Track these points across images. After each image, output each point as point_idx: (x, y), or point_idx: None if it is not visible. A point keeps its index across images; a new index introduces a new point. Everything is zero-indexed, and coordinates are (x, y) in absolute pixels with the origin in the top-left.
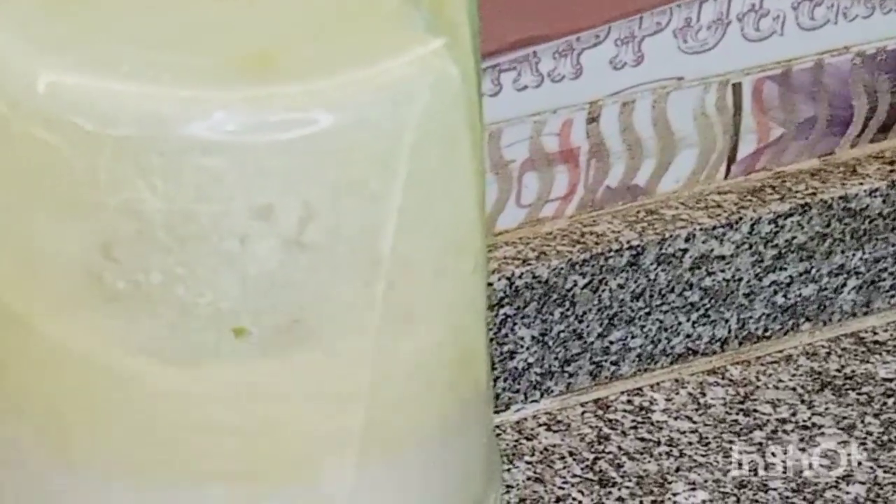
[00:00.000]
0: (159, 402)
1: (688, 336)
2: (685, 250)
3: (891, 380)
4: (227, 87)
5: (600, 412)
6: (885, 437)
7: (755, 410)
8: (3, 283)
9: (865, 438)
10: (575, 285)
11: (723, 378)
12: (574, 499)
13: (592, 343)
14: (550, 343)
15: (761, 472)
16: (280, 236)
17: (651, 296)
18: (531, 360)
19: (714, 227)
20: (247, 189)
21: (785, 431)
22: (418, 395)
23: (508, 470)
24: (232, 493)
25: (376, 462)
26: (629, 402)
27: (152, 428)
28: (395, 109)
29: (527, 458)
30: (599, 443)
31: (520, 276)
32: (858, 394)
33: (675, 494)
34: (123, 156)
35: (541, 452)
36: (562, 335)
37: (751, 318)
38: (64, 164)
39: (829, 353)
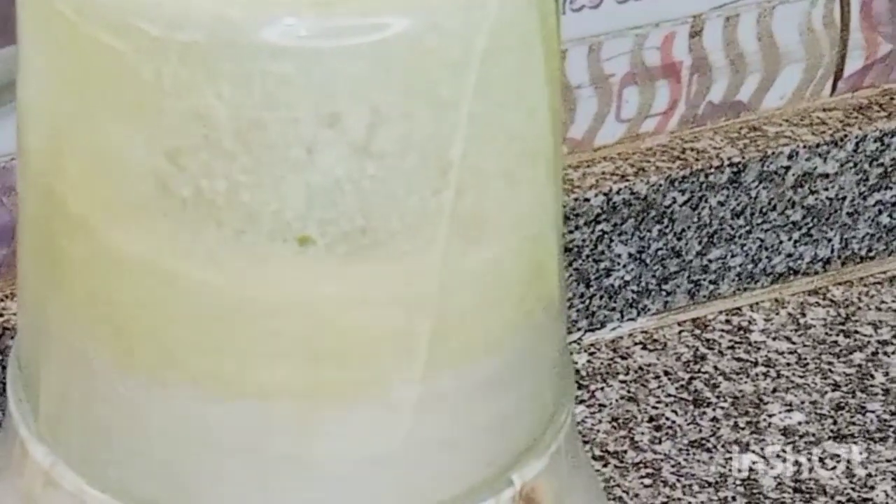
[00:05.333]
0: (223, 312)
1: (789, 255)
2: (788, 168)
3: None
4: None
5: (697, 331)
6: None
7: (856, 332)
8: (71, 190)
9: None
10: (674, 202)
11: (824, 298)
12: (667, 418)
13: (691, 261)
14: (648, 261)
15: (859, 395)
16: (348, 144)
17: (752, 214)
18: (628, 277)
19: (818, 145)
20: (315, 96)
21: (886, 353)
22: (487, 307)
23: (602, 389)
24: (298, 405)
25: (444, 374)
26: (727, 321)
27: (217, 339)
28: (467, 14)
29: (621, 376)
30: (695, 362)
31: (618, 192)
32: None
33: (770, 416)
34: (190, 61)
35: (635, 371)
36: (660, 253)
37: (854, 237)
38: (130, 70)
39: None
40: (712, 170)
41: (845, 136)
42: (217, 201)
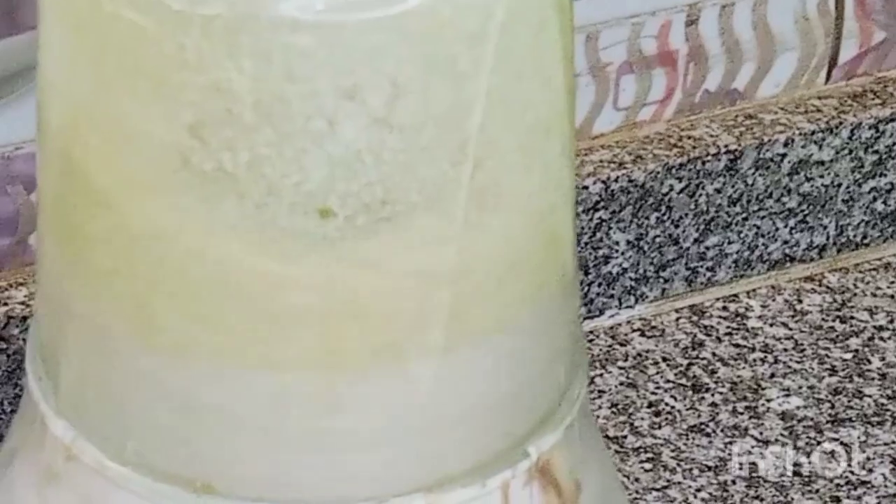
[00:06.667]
0: (244, 285)
1: (785, 242)
2: (784, 155)
3: None
4: None
5: (695, 318)
6: None
7: (852, 318)
8: (92, 166)
9: None
10: (671, 189)
11: (820, 285)
12: (667, 404)
13: (688, 248)
14: (646, 248)
15: (856, 379)
16: (368, 116)
17: (748, 201)
18: (626, 265)
19: (814, 132)
20: (335, 68)
21: (882, 339)
22: (504, 278)
23: (601, 375)
24: (317, 378)
25: (461, 346)
26: (724, 308)
27: (238, 311)
28: None
29: (620, 363)
30: (693, 349)
31: (615, 180)
32: None
33: (768, 400)
34: (212, 35)
35: (634, 358)
36: (657, 240)
37: (849, 224)
38: (152, 45)
39: None
40: (709, 157)
41: (840, 123)
42: (238, 175)
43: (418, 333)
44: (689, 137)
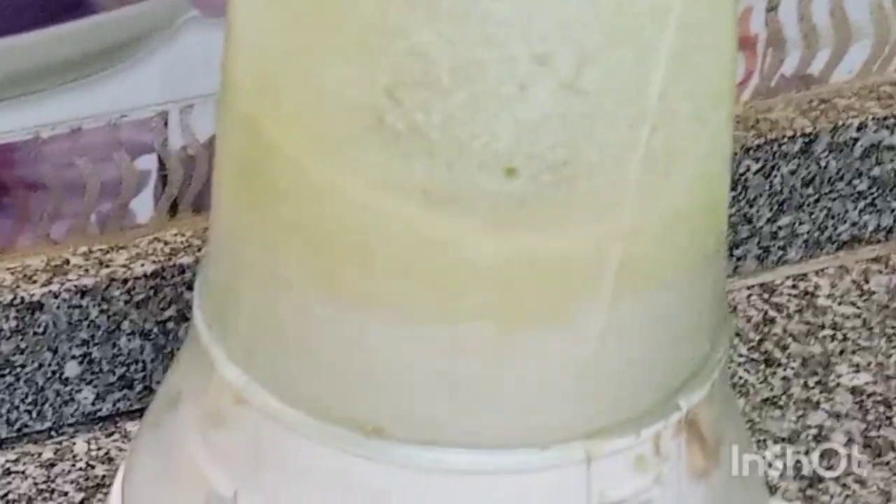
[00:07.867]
0: (427, 239)
1: (854, 224)
2: (856, 139)
3: None
4: None
5: (766, 295)
6: None
7: None
8: (282, 125)
9: None
10: (748, 170)
11: (886, 266)
12: (741, 377)
13: (761, 228)
14: None
15: None
16: (557, 81)
17: (821, 183)
18: None
19: (886, 118)
20: (529, 35)
21: None
22: (668, 238)
23: None
24: (488, 330)
25: (626, 303)
26: (794, 286)
27: (416, 265)
28: None
29: None
30: (765, 324)
31: None
32: None
33: (839, 376)
34: (413, 1)
35: None
36: (732, 219)
37: None
38: (354, 9)
39: None
40: (785, 140)
41: None
42: (431, 135)
43: (588, 289)
44: (766, 120)
